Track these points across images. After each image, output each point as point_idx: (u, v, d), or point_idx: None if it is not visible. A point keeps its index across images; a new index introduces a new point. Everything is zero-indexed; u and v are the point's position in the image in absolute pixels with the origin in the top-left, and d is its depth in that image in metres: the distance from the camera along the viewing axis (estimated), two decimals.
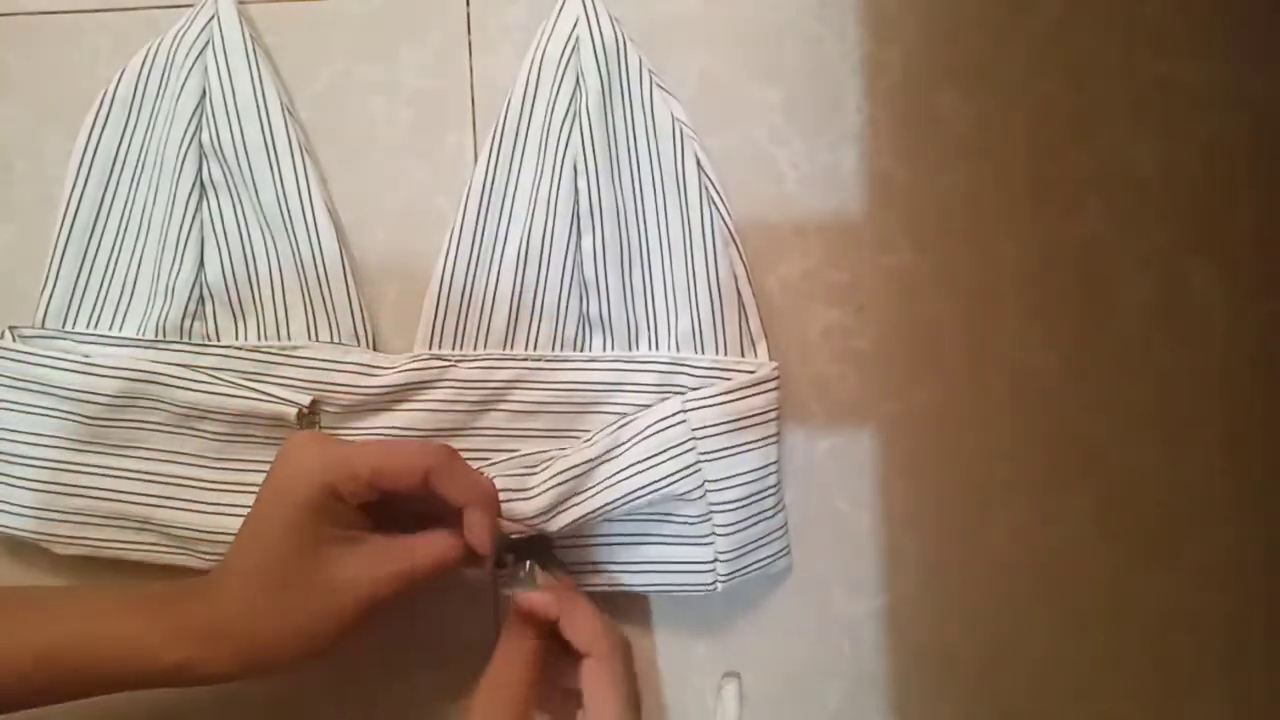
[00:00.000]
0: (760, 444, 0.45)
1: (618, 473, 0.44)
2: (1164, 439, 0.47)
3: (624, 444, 0.44)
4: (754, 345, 0.46)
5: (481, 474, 0.43)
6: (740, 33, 0.48)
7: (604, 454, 0.44)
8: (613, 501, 0.44)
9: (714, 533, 0.44)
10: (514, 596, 0.41)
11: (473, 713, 0.39)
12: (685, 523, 0.45)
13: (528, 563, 0.43)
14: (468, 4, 0.48)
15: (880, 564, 0.47)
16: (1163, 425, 0.47)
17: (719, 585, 0.45)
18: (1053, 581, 0.47)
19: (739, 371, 0.45)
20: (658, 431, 0.44)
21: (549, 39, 0.46)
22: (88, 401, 0.45)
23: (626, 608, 0.47)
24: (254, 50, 0.47)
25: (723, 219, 0.46)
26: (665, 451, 0.44)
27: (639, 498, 0.44)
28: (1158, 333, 0.47)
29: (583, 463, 0.44)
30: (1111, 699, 0.47)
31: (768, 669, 0.48)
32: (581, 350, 0.47)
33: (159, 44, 0.47)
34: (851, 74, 0.47)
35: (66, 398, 0.46)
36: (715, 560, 0.45)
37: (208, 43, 0.47)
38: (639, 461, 0.44)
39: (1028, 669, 0.47)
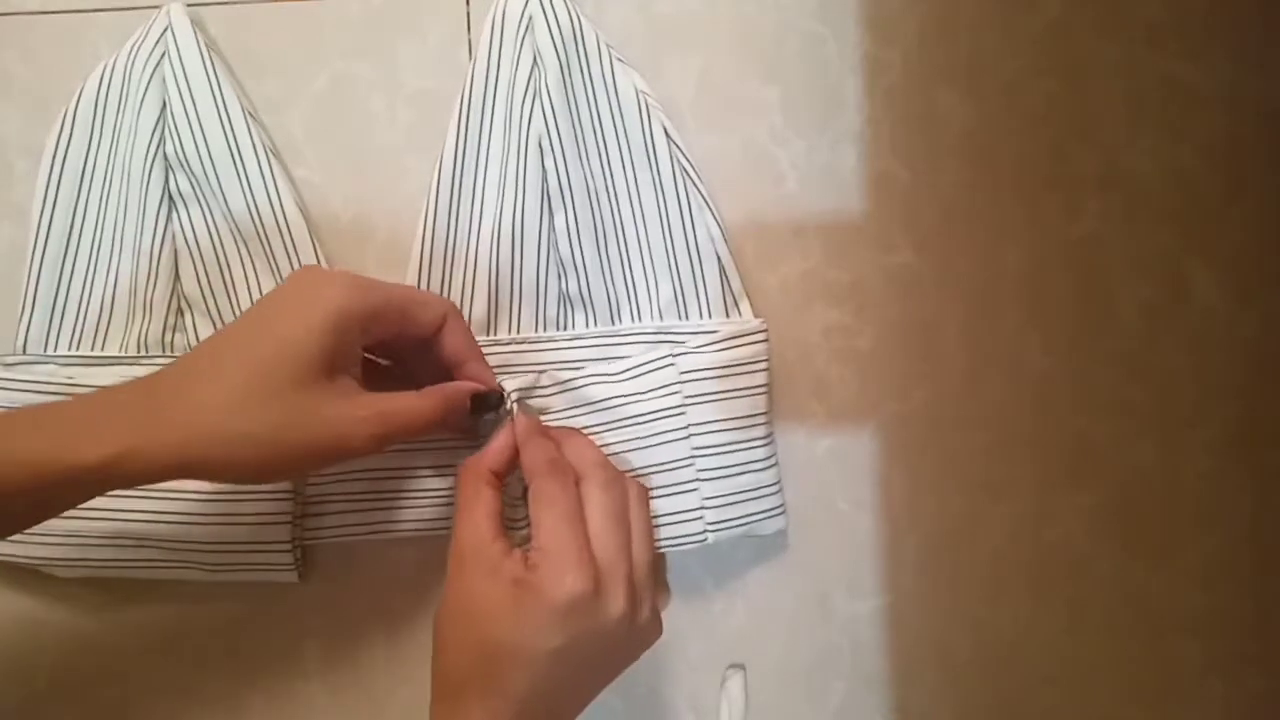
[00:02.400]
0: (747, 392, 0.45)
1: (605, 399, 0.45)
2: (1164, 439, 0.47)
3: (612, 375, 0.45)
4: (737, 305, 0.46)
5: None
6: (740, 32, 0.48)
7: (592, 375, 0.45)
8: (603, 423, 0.45)
9: (698, 478, 0.45)
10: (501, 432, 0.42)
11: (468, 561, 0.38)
12: (670, 468, 0.45)
13: (511, 400, 0.43)
14: (467, 4, 0.48)
15: (880, 564, 0.47)
16: (1162, 425, 0.47)
17: (709, 535, 0.45)
18: (1052, 581, 0.47)
19: (724, 329, 0.45)
20: (647, 372, 0.45)
21: (503, 18, 0.46)
22: None
23: None
24: (210, 59, 0.46)
25: (695, 184, 0.46)
26: (653, 391, 0.45)
27: (624, 428, 0.45)
28: (1158, 333, 0.47)
29: (572, 378, 0.45)
30: (1112, 699, 0.47)
31: (768, 669, 0.48)
32: (564, 329, 0.47)
33: (115, 60, 0.47)
34: (851, 74, 0.47)
35: None
36: (702, 507, 0.45)
37: (164, 54, 0.46)
38: (627, 395, 0.45)
39: (1028, 669, 0.47)
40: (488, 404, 0.43)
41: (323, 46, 0.49)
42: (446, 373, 0.42)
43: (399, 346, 0.42)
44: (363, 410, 0.38)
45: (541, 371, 0.45)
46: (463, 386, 0.42)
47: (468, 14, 0.48)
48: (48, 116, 0.48)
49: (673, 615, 0.48)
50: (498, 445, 0.42)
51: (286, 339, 0.37)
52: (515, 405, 0.43)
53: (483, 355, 0.43)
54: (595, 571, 0.38)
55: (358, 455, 0.38)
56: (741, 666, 0.47)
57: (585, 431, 0.45)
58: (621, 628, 0.38)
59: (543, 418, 0.45)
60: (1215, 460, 0.47)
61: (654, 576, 0.41)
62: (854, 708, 0.47)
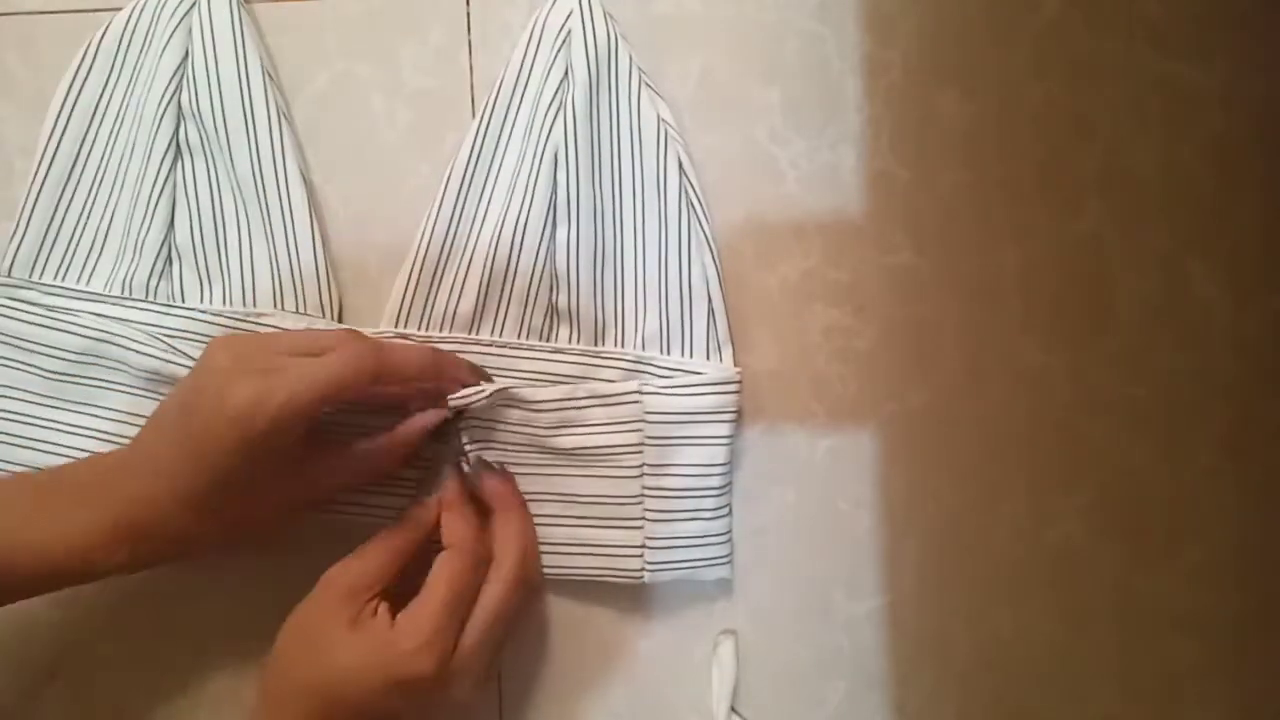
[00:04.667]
0: (707, 441, 0.45)
1: (567, 426, 0.45)
2: (1164, 439, 0.47)
3: (579, 399, 0.45)
4: (720, 350, 0.46)
5: (413, 347, 0.44)
6: (740, 33, 0.48)
7: (560, 399, 0.45)
8: (556, 448, 0.45)
9: (644, 517, 0.45)
10: (448, 480, 0.44)
11: (324, 595, 0.40)
12: (617, 503, 0.45)
13: (468, 451, 0.44)
14: (468, 4, 0.48)
15: (880, 564, 0.47)
16: (1163, 425, 0.47)
17: (647, 574, 0.45)
18: (1053, 581, 0.47)
19: (700, 372, 0.45)
20: (612, 405, 0.45)
21: (542, 28, 0.46)
22: (50, 356, 0.46)
23: (621, 605, 0.47)
24: (239, 15, 0.47)
25: (700, 223, 0.46)
26: (614, 424, 0.45)
27: (577, 455, 0.45)
28: (1158, 333, 0.47)
29: (539, 400, 0.45)
30: (1111, 699, 0.47)
31: (768, 669, 0.48)
32: (547, 341, 0.47)
33: (145, 1, 0.48)
34: (851, 74, 0.47)
35: (28, 350, 0.46)
36: (644, 546, 0.45)
37: (194, 3, 0.47)
38: (589, 424, 0.45)
39: (1028, 669, 0.47)
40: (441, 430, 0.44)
41: (323, 46, 0.49)
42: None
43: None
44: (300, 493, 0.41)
45: (499, 390, 0.44)
46: (412, 428, 0.43)
47: (468, 14, 0.48)
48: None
49: (675, 615, 0.48)
50: (430, 509, 0.44)
51: (204, 455, 0.38)
52: (468, 448, 0.44)
53: (434, 374, 0.43)
54: (448, 663, 0.39)
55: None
56: (733, 632, 0.47)
57: (534, 451, 0.45)
58: (438, 708, 0.40)
59: (494, 432, 0.45)
60: (1215, 460, 0.47)
61: (495, 664, 0.43)
62: (854, 708, 0.47)
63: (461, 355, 0.46)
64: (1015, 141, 0.47)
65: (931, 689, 0.47)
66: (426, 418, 0.43)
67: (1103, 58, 0.47)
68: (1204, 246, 0.47)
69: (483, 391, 0.43)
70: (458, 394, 0.43)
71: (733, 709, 0.47)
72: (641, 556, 0.45)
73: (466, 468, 0.44)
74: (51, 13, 0.49)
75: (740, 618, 0.48)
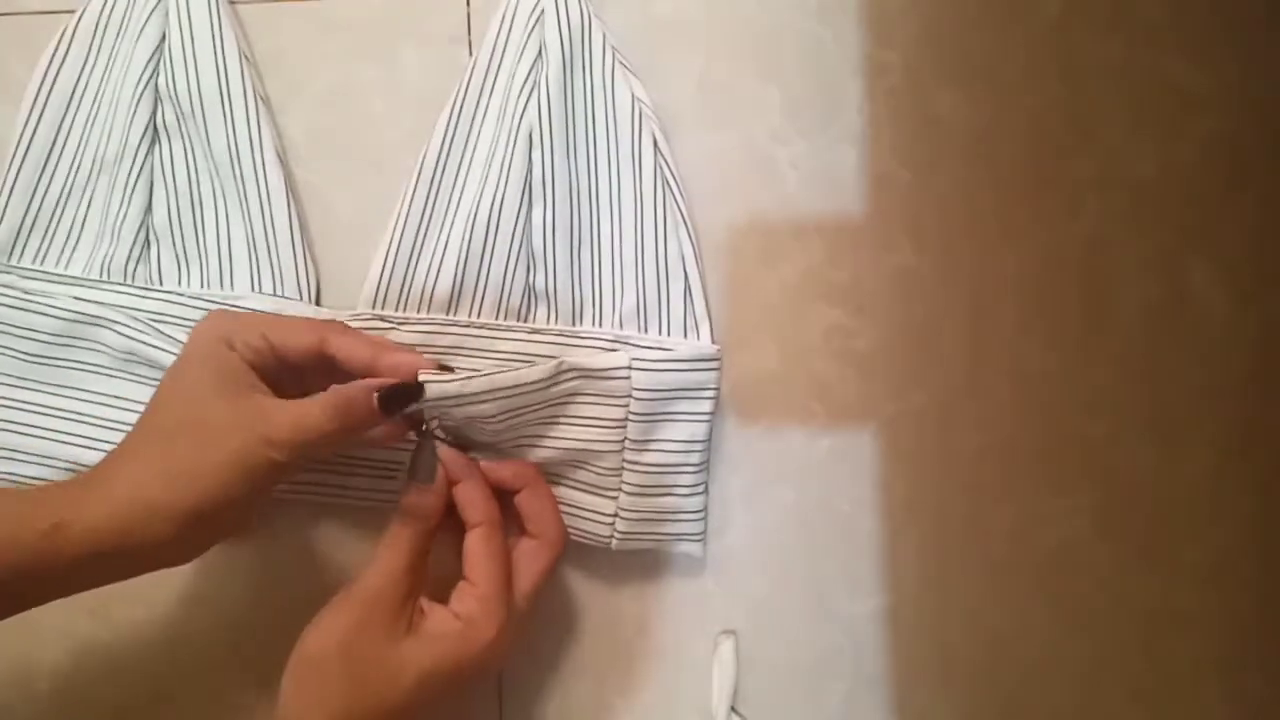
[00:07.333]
0: (687, 418, 0.45)
1: (554, 402, 0.44)
2: (1164, 439, 0.47)
3: (567, 372, 0.44)
4: (697, 328, 0.46)
5: (380, 337, 0.44)
6: (740, 33, 0.48)
7: (548, 378, 0.43)
8: (542, 420, 0.44)
9: (621, 489, 0.45)
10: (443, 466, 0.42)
11: (356, 601, 0.39)
12: (597, 472, 0.45)
13: (432, 425, 0.42)
14: (468, 4, 0.48)
15: (880, 564, 0.47)
16: (1163, 425, 0.47)
17: (614, 542, 0.45)
18: (1052, 581, 0.47)
19: (678, 349, 0.45)
20: (603, 379, 0.44)
21: (515, 7, 0.46)
22: (27, 338, 0.46)
23: (622, 604, 0.48)
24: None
25: (675, 200, 0.46)
26: (602, 397, 0.45)
27: (561, 424, 0.45)
28: (1158, 333, 0.47)
29: (526, 382, 0.43)
30: (1111, 699, 0.47)
31: (768, 669, 0.48)
32: (525, 321, 0.47)
33: None
34: (851, 74, 0.47)
35: (5, 332, 0.46)
36: (615, 515, 0.45)
37: None
38: (577, 395, 0.45)
39: (1028, 669, 0.47)
40: (403, 397, 0.40)
41: (323, 47, 0.49)
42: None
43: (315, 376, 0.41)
44: (262, 427, 0.38)
45: (475, 373, 0.42)
46: (364, 384, 0.39)
47: (468, 14, 0.48)
48: None
49: (675, 615, 0.48)
50: (436, 492, 0.42)
51: (172, 381, 0.39)
52: (437, 429, 0.43)
53: (391, 350, 0.41)
54: (506, 633, 0.40)
55: (275, 471, 0.38)
56: (733, 632, 0.47)
57: (518, 420, 0.44)
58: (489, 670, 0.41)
59: (476, 412, 0.43)
60: (1215, 460, 0.47)
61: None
62: (854, 708, 0.47)
63: (439, 335, 0.45)
64: (1015, 142, 0.47)
65: (931, 689, 0.47)
66: (373, 381, 0.40)
67: (1103, 58, 0.47)
68: (1204, 246, 0.47)
69: (469, 381, 0.41)
70: (435, 378, 0.41)
71: (733, 709, 0.47)
72: (612, 525, 0.45)
73: (440, 435, 0.43)
74: (51, 13, 0.49)
75: (740, 618, 0.48)
